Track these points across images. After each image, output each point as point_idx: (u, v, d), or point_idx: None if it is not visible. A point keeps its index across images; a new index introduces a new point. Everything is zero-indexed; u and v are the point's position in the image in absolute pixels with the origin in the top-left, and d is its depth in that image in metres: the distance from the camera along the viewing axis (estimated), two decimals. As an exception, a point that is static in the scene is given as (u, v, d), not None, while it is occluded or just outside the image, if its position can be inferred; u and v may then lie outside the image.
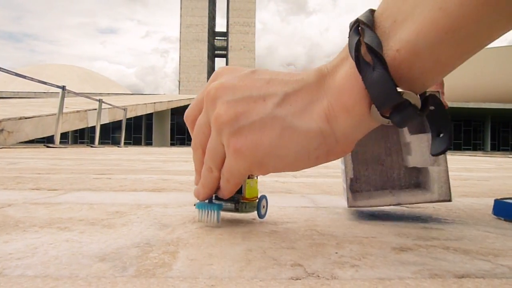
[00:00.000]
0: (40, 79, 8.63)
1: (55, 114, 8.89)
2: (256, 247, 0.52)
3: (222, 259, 0.45)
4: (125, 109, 15.15)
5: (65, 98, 8.96)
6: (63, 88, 8.97)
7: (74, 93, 11.32)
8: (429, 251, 0.52)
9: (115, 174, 1.80)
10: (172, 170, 2.18)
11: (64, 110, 9.46)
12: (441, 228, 0.68)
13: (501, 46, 44.44)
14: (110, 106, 13.79)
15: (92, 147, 10.76)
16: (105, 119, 13.80)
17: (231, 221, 0.69)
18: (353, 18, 0.41)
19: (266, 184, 1.45)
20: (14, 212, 0.73)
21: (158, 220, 0.70)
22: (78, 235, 0.57)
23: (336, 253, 0.50)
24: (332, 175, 2.07)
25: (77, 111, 11.68)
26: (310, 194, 1.20)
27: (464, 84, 43.48)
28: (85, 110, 12.08)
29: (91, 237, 0.55)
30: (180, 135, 36.64)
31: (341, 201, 1.05)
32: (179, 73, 74.23)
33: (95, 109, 12.08)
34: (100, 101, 12.09)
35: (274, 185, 1.43)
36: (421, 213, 0.84)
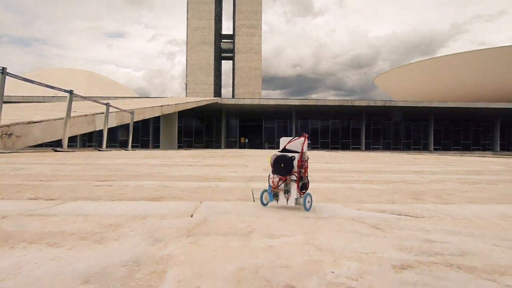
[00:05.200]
0: (49, 83, 8.68)
1: (63, 118, 8.94)
2: (248, 265, 0.49)
3: (211, 280, 0.43)
4: (132, 113, 15.22)
5: (73, 102, 9.01)
6: (70, 92, 9.00)
7: (82, 97, 11.37)
8: (430, 269, 0.49)
9: (117, 181, 1.78)
10: (175, 175, 2.16)
11: (72, 114, 9.51)
12: (445, 241, 0.65)
13: (509, 45, 43.85)
14: (117, 110, 13.86)
15: (99, 150, 10.80)
16: (113, 123, 13.84)
17: (225, 234, 0.67)
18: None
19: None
20: (6, 225, 0.72)
21: (152, 233, 0.68)
22: (66, 252, 0.55)
23: (332, 272, 0.47)
24: (338, 179, 2.04)
25: (85, 115, 11.73)
26: (313, 202, 1.17)
27: (473, 84, 42.97)
28: (93, 114, 12.11)
29: (79, 254, 0.53)
30: (187, 138, 36.63)
31: (344, 209, 1.02)
32: (186, 75, 74.40)
33: (103, 113, 12.12)
34: (108, 105, 12.11)
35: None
36: (426, 223, 0.81)
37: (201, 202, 1.12)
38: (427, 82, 48.17)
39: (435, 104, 29.65)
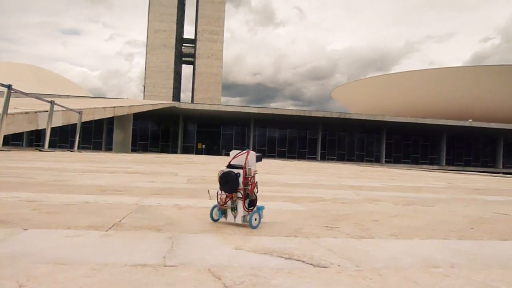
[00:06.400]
0: (-6, 78, 7.93)
1: (-3, 116, 8.18)
2: None
3: None
4: (80, 112, 14.36)
5: (20, 99, 8.30)
6: (8, 87, 8.27)
7: (23, 93, 10.53)
8: None
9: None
10: (73, 185, 1.82)
11: (12, 111, 8.76)
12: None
13: (456, 66, 46.72)
14: (64, 109, 13.02)
15: (40, 151, 10.08)
16: (58, 122, 12.98)
17: None
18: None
19: (157, 210, 1.14)
20: None
21: None
22: None
23: None
24: (260, 195, 1.78)
25: (26, 112, 10.89)
26: (186, 231, 0.90)
27: (423, 101, 45.09)
28: (35, 112, 11.27)
29: None
30: (143, 141, 35.42)
31: (210, 249, 0.76)
32: (145, 78, 72.29)
33: (47, 111, 11.33)
34: (52, 102, 11.31)
35: (165, 213, 1.12)
36: (313, 280, 0.56)
37: (25, 230, 0.80)
38: (381, 97, 50.02)
39: (387, 118, 30.66)
